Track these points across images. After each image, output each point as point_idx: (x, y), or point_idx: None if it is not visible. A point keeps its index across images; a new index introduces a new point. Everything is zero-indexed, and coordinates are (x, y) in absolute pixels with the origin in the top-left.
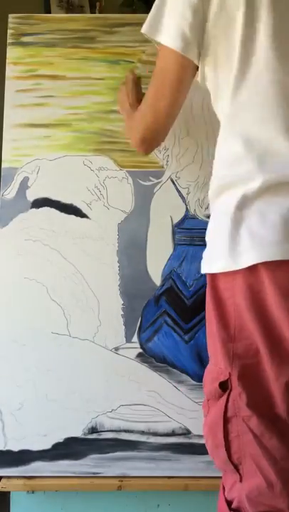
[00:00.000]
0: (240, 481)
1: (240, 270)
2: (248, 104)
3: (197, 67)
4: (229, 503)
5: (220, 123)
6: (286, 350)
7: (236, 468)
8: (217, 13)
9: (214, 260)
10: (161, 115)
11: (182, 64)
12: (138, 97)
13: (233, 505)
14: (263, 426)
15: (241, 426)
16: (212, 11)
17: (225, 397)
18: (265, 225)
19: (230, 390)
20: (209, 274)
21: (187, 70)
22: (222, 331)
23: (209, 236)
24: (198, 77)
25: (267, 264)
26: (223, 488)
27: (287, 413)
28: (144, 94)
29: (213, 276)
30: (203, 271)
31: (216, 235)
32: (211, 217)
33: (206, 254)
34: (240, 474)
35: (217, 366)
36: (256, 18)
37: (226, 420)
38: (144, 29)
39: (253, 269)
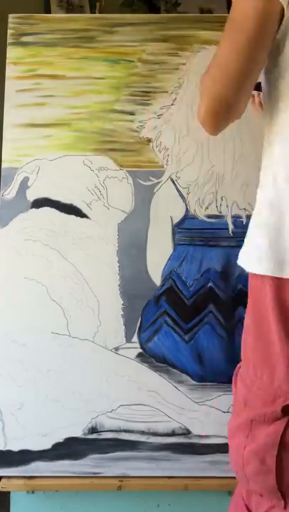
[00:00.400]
0: (285, 508)
1: None
2: None
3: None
4: None
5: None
6: None
7: (283, 496)
8: None
9: (286, 263)
10: (235, 79)
11: (266, 8)
12: None
13: None
14: None
15: None
16: None
17: (284, 420)
18: None
19: None
20: (274, 277)
21: (272, 16)
22: (285, 346)
23: (271, 229)
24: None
25: None
26: (245, 502)
27: None
28: None
29: (281, 280)
30: (260, 271)
31: (283, 231)
32: (270, 209)
33: (266, 251)
34: (285, 502)
35: (273, 385)
36: None
37: (283, 446)
38: None
39: None
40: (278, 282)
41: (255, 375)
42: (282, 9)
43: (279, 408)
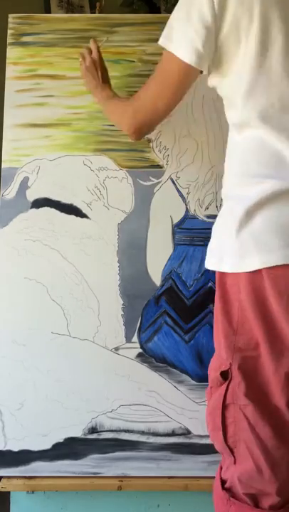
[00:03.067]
0: (234, 463)
1: (244, 274)
2: (259, 114)
3: (201, 72)
4: (223, 482)
5: (229, 127)
6: (284, 343)
7: (231, 451)
8: (229, 31)
9: (223, 259)
10: (159, 113)
11: (188, 73)
12: (104, 75)
13: (226, 485)
14: (257, 415)
15: (238, 413)
16: (224, 29)
17: (225, 385)
18: (269, 231)
19: (230, 380)
20: (218, 271)
21: (191, 78)
22: (226, 324)
23: (217, 231)
24: (208, 83)
25: (268, 268)
26: (221, 468)
27: (287, 403)
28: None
29: (222, 273)
30: (210, 267)
31: (223, 232)
32: (220, 212)
33: (213, 250)
34: (234, 457)
35: (220, 357)
36: (268, 37)
37: (224, 407)
38: (160, 41)
39: (256, 271)
40: (220, 273)
41: (215, 353)
42: (198, 71)
43: (218, 373)
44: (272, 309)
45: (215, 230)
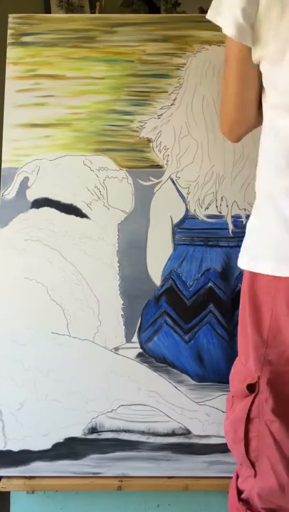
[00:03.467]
0: (255, 476)
1: (285, 277)
2: None
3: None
4: (240, 492)
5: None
6: None
7: (252, 464)
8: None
9: (260, 259)
10: (232, 101)
11: (240, 49)
12: None
13: (243, 496)
14: (284, 432)
15: (263, 428)
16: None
17: (251, 398)
18: None
19: (257, 393)
20: (249, 271)
21: (247, 56)
22: (256, 334)
23: (254, 229)
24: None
25: None
26: (237, 476)
27: None
28: None
29: (254, 275)
30: (242, 266)
31: (261, 232)
32: (255, 211)
33: (248, 248)
34: (255, 471)
35: (246, 367)
36: None
37: (249, 420)
38: (208, 15)
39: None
40: (252, 274)
41: (239, 359)
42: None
43: (244, 386)
44: None
45: (252, 227)
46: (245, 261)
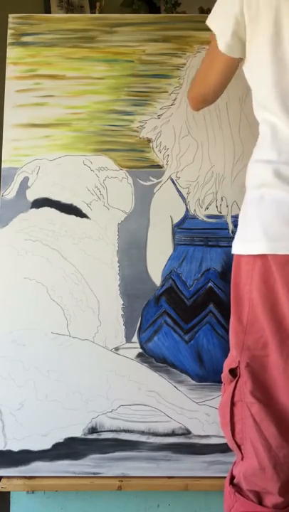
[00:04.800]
0: (242, 459)
1: (255, 258)
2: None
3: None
4: (233, 477)
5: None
6: None
7: (239, 448)
8: (252, 21)
9: (234, 242)
10: (209, 88)
11: (228, 59)
12: None
13: (235, 481)
14: (263, 414)
15: (245, 411)
16: (248, 19)
17: (234, 383)
18: (281, 216)
19: (239, 377)
20: (236, 255)
21: (233, 62)
22: (236, 323)
23: (240, 219)
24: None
25: (275, 257)
26: (235, 463)
27: None
28: None
29: (239, 259)
30: (232, 251)
31: (241, 218)
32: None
33: (236, 235)
34: (241, 454)
35: (231, 354)
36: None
37: (233, 404)
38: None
39: (264, 259)
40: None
41: (230, 353)
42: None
43: (227, 371)
44: (282, 307)
45: (239, 217)
46: (234, 245)
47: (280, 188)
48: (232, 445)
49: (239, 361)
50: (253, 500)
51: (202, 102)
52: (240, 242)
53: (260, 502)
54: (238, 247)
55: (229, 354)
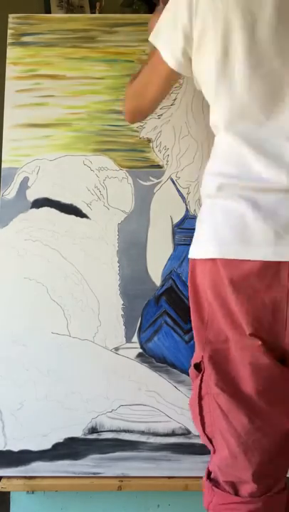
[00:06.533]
0: (214, 453)
1: (206, 261)
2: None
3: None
4: (209, 472)
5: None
6: (246, 336)
7: (210, 441)
8: (199, 38)
9: (193, 247)
10: (147, 102)
11: (171, 74)
12: None
13: (212, 476)
14: (229, 403)
15: (212, 403)
16: (195, 35)
17: (200, 376)
18: (226, 224)
19: (203, 371)
20: (191, 259)
21: (174, 77)
22: (198, 322)
23: (197, 223)
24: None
25: (223, 261)
26: (210, 459)
27: (255, 390)
28: None
29: (192, 263)
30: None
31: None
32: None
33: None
34: (213, 447)
35: (196, 352)
36: (229, 45)
37: (200, 397)
38: (150, 37)
39: (213, 262)
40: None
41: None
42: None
43: (192, 366)
44: (231, 305)
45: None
46: (190, 249)
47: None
48: (204, 440)
49: (202, 355)
50: (230, 492)
51: (139, 115)
52: (194, 246)
53: (236, 493)
54: (193, 251)
55: (194, 352)
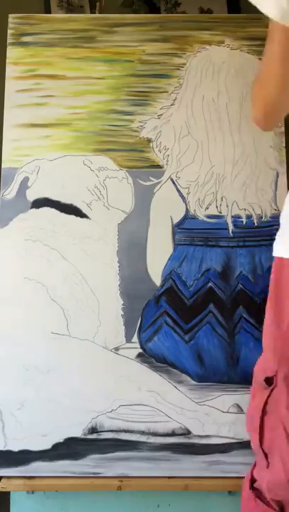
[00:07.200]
0: (267, 467)
1: None
2: None
3: None
4: (253, 480)
5: None
6: None
7: (265, 456)
8: None
9: (277, 243)
10: (274, 84)
11: (284, 29)
12: None
13: (256, 485)
14: None
15: (277, 423)
16: None
17: (268, 391)
18: None
19: (274, 387)
20: (278, 258)
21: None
22: (274, 327)
23: (284, 219)
24: None
25: None
26: (254, 465)
27: None
28: None
29: (281, 262)
30: (274, 253)
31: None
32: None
33: (280, 236)
34: (267, 462)
35: (266, 359)
36: None
37: (264, 412)
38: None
39: None
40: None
41: (263, 349)
42: None
43: (262, 379)
44: None
45: (283, 217)
46: (277, 247)
47: None
48: (258, 451)
49: (277, 371)
50: (276, 509)
51: (271, 106)
52: (283, 244)
53: (282, 510)
54: (282, 250)
55: (263, 356)
